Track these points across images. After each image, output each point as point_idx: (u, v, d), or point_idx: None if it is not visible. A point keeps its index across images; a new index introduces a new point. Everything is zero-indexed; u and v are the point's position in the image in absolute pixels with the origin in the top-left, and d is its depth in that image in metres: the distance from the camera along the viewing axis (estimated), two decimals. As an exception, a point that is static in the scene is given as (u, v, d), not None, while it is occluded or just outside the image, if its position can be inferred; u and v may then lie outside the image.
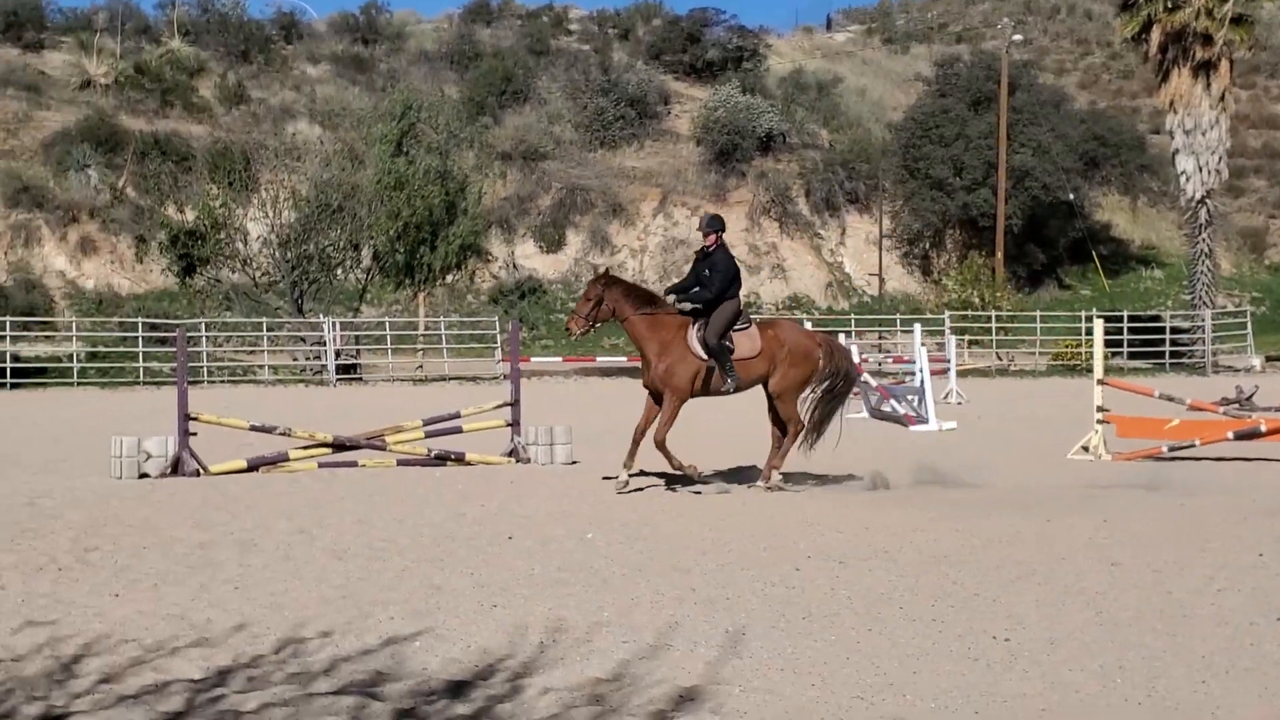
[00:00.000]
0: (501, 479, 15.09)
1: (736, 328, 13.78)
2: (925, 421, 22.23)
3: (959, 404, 27.61)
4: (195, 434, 15.27)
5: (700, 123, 57.50)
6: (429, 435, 16.79)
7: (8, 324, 37.81)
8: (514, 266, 52.35)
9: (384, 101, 47.65)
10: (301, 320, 38.93)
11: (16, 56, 55.35)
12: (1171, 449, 16.90)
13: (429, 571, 9.45)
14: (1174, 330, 45.28)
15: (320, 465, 16.43)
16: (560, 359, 35.00)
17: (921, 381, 23.40)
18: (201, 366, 37.21)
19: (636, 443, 13.63)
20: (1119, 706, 6.39)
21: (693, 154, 57.87)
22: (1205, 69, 42.19)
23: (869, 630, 7.71)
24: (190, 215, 39.79)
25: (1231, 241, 58.24)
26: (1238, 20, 42.24)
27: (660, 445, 13.50)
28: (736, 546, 10.47)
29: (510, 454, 16.69)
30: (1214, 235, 45.68)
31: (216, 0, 61.41)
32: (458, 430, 16.86)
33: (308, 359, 38.89)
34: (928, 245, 56.39)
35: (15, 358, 37.25)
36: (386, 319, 42.69)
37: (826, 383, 14.27)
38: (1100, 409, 17.19)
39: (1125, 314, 45.89)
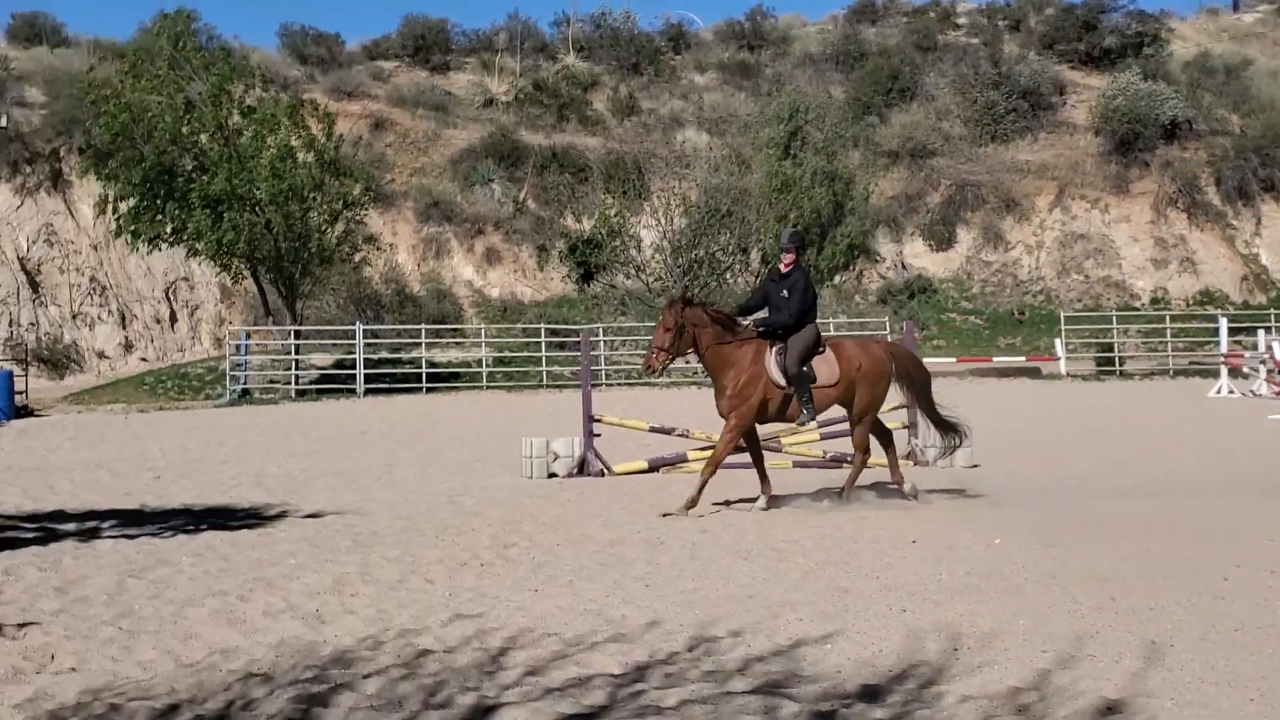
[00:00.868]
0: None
1: (816, 354, 13.00)
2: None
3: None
4: (599, 435, 15.77)
5: (1098, 112, 55.23)
6: (824, 437, 16.75)
7: (422, 331, 40.38)
8: (903, 266, 51.72)
9: (770, 106, 48.00)
10: (693, 324, 39.63)
11: (425, 78, 58.79)
12: None
13: (834, 574, 9.37)
14: None
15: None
16: (954, 360, 34.29)
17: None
18: (600, 370, 38.50)
19: (762, 472, 13.14)
20: None
21: (1091, 145, 55.63)
22: None
23: (1314, 647, 7.12)
24: (587, 224, 41.25)
25: None
26: None
27: (707, 469, 12.89)
28: (1158, 553, 9.91)
29: (908, 456, 16.45)
30: None
31: (609, 16, 63.52)
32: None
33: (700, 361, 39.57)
34: (1355, 233, 52.15)
35: (430, 363, 39.63)
36: (776, 321, 42.89)
37: (904, 384, 13.60)
38: None
39: None
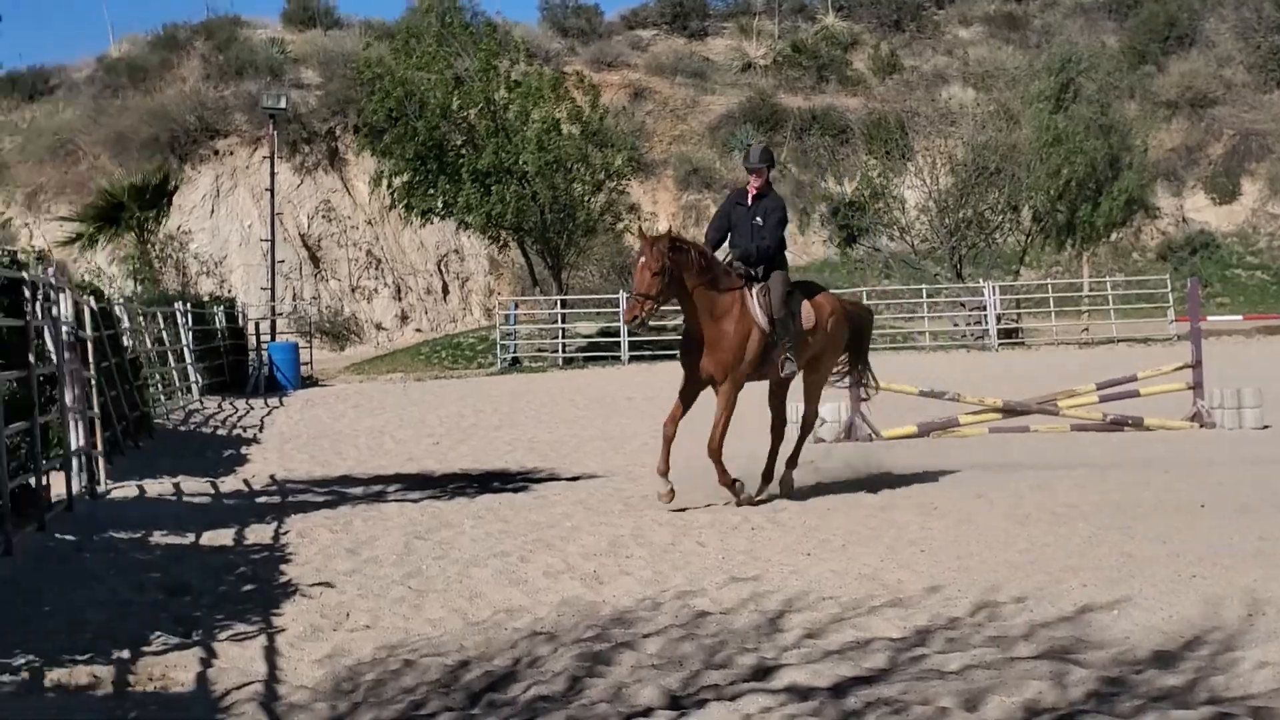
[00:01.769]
0: (1185, 444, 14.29)
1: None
2: None
3: None
4: (867, 399, 15.61)
5: (1395, 51, 51.73)
6: (1103, 400, 16.25)
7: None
8: (1183, 220, 49.52)
9: (1039, 58, 46.52)
10: (961, 285, 38.87)
11: (683, 45, 59.02)
12: None
13: (1118, 539, 9.05)
14: None
15: (990, 430, 16.36)
16: (1240, 317, 32.63)
17: None
18: (864, 334, 37.99)
19: (668, 443, 11.05)
20: None
21: (1387, 86, 52.14)
22: None
23: None
24: (849, 187, 40.81)
25: None
26: None
27: (716, 452, 11.11)
28: None
29: (1193, 418, 15.82)
30: None
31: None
32: (1134, 394, 16.19)
33: (968, 324, 38.78)
34: None
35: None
36: (1048, 280, 41.74)
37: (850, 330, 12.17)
38: None
39: None
